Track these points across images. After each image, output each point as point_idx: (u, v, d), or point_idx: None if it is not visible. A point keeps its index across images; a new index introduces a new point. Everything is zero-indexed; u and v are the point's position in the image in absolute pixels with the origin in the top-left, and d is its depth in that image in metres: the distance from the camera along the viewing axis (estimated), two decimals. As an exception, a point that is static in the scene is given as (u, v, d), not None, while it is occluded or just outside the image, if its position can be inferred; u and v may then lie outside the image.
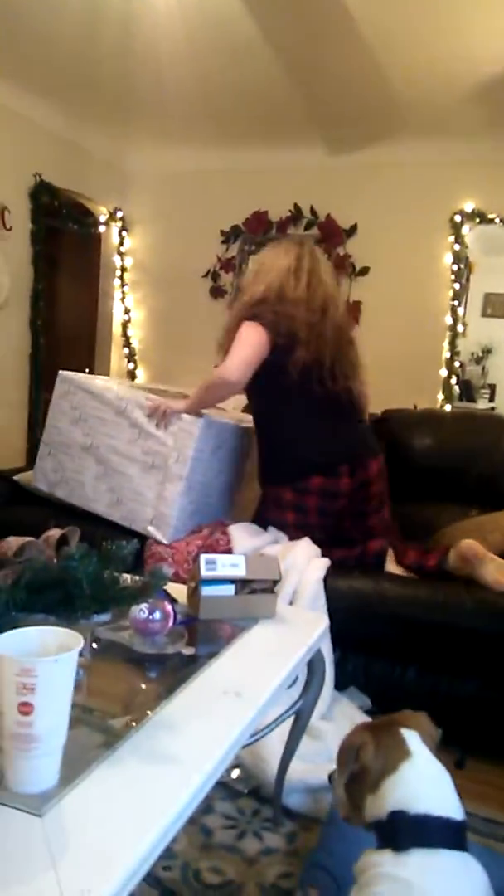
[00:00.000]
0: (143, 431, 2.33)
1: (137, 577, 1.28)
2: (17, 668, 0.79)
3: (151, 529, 2.31)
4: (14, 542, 1.15)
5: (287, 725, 1.55)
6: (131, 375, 5.35)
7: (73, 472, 2.45)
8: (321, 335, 2.21)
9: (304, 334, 2.18)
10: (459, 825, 0.97)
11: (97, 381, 2.50)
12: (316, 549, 2.22)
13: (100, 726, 1.01)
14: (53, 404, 2.51)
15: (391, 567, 2.34)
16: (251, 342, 2.17)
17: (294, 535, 2.28)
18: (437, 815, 0.96)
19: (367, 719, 1.96)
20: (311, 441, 2.26)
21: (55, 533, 1.22)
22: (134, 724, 1.01)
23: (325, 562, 2.17)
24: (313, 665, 1.53)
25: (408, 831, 0.95)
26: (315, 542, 2.24)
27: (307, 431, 2.26)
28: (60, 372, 2.53)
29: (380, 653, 2.08)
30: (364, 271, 4.52)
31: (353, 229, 4.56)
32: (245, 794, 1.70)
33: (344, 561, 2.26)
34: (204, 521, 2.43)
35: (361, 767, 1.05)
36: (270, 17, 2.96)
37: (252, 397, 2.39)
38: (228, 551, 2.25)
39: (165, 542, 2.28)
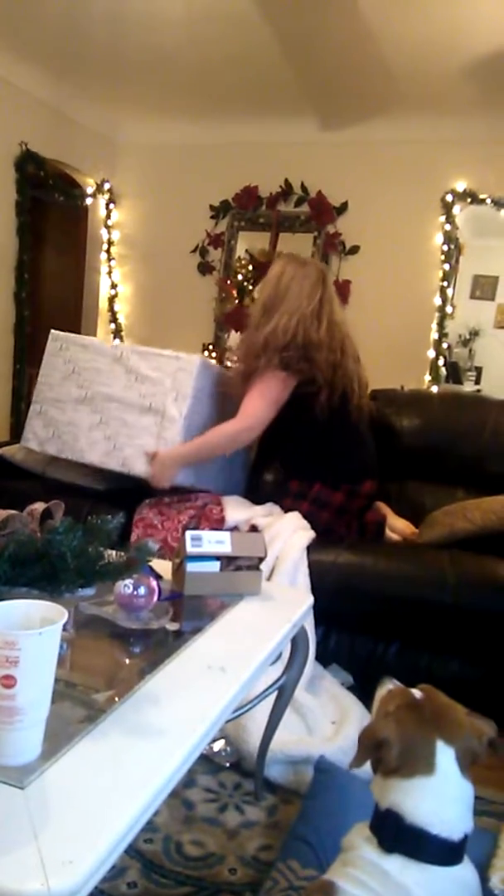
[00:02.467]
0: (139, 375, 2.34)
1: (122, 553, 1.27)
2: (0, 641, 0.78)
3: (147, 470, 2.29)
4: (-3, 514, 1.14)
5: (270, 700, 1.56)
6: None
7: (65, 425, 2.43)
8: (345, 371, 2.32)
9: (327, 376, 2.27)
10: (457, 844, 0.91)
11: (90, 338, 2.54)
12: (304, 523, 2.23)
13: (83, 700, 1.00)
14: (45, 362, 2.51)
15: (397, 524, 2.40)
16: (274, 397, 2.28)
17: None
18: (434, 834, 0.90)
19: (349, 695, 1.98)
20: (355, 451, 2.43)
21: (39, 506, 1.20)
22: (117, 698, 1.01)
23: (311, 533, 2.19)
24: (297, 641, 1.53)
25: (396, 837, 0.92)
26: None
27: (350, 444, 2.41)
28: (52, 331, 2.55)
29: (362, 629, 2.10)
30: (354, 250, 4.49)
31: (343, 207, 4.52)
32: (227, 767, 1.71)
33: (340, 538, 2.31)
34: (199, 470, 2.39)
35: (379, 758, 0.97)
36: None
37: (280, 424, 2.36)
38: (221, 520, 2.25)
39: (165, 485, 2.28)
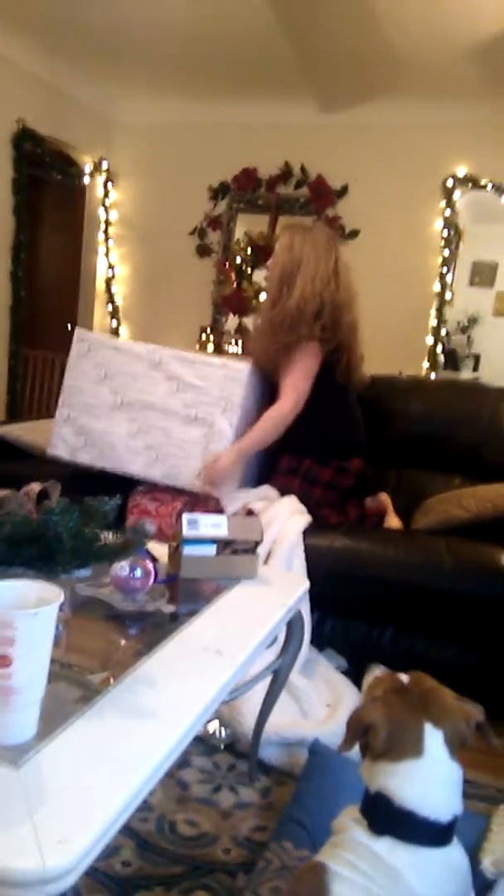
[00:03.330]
0: (182, 383, 2.25)
1: (118, 534, 1.26)
2: (-4, 621, 0.78)
3: (199, 483, 2.24)
4: (-7, 494, 1.13)
5: (265, 683, 1.56)
6: (115, 333, 5.27)
7: (100, 433, 2.31)
8: (356, 331, 2.36)
9: (349, 339, 2.32)
10: (446, 826, 0.91)
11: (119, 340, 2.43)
12: (301, 507, 2.23)
13: (78, 681, 1.00)
14: (71, 365, 2.37)
15: (392, 521, 2.39)
16: (311, 373, 2.30)
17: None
18: (423, 816, 0.90)
19: (344, 679, 1.99)
20: (355, 426, 2.46)
21: (36, 486, 1.19)
22: (113, 679, 1.01)
23: (307, 518, 2.19)
24: (293, 625, 1.53)
25: (386, 820, 0.92)
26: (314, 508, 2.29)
27: (350, 418, 2.45)
28: (77, 329, 2.43)
29: (357, 614, 2.10)
30: (353, 234, 4.46)
31: (343, 190, 4.49)
32: (221, 749, 1.72)
33: (340, 524, 2.31)
34: (242, 474, 2.37)
35: (366, 742, 0.97)
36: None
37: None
38: (217, 509, 2.24)
39: (215, 494, 2.24)
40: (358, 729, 0.97)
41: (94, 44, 3.91)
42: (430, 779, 0.93)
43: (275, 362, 2.33)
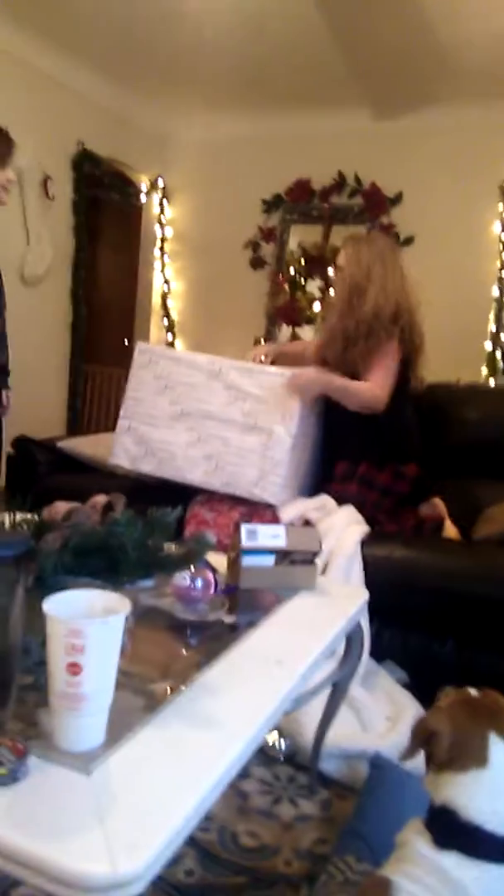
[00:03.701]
0: (240, 392, 2.28)
1: (178, 544, 1.28)
2: (67, 629, 0.80)
3: (257, 492, 2.26)
4: (62, 506, 1.17)
5: (324, 695, 1.56)
6: (170, 346, 5.36)
7: (160, 443, 2.36)
8: (423, 338, 2.43)
9: (420, 342, 2.40)
10: None
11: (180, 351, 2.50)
12: (358, 517, 2.22)
13: (142, 690, 1.02)
14: (133, 376, 2.43)
15: (449, 530, 2.36)
16: (393, 373, 2.35)
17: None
18: (490, 831, 0.88)
19: (405, 693, 1.96)
20: (412, 430, 2.49)
21: (101, 498, 1.23)
22: (177, 688, 1.02)
23: (364, 528, 2.17)
24: (352, 637, 1.53)
25: (451, 834, 0.91)
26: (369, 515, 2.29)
27: (408, 422, 2.49)
28: (139, 342, 2.50)
29: (417, 626, 2.07)
30: (409, 241, 4.42)
31: (398, 197, 4.46)
32: (281, 760, 1.72)
33: (398, 533, 2.30)
34: (300, 483, 2.40)
35: (431, 752, 0.97)
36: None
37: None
38: (273, 520, 2.25)
39: (274, 502, 2.26)
40: (422, 736, 0.96)
41: (149, 67, 4.01)
42: (497, 791, 0.91)
43: (353, 367, 2.36)
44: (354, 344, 2.32)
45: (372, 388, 2.33)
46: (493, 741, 0.92)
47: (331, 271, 4.51)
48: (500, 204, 4.15)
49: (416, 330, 2.39)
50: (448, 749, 0.93)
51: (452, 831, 0.91)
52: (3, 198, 2.28)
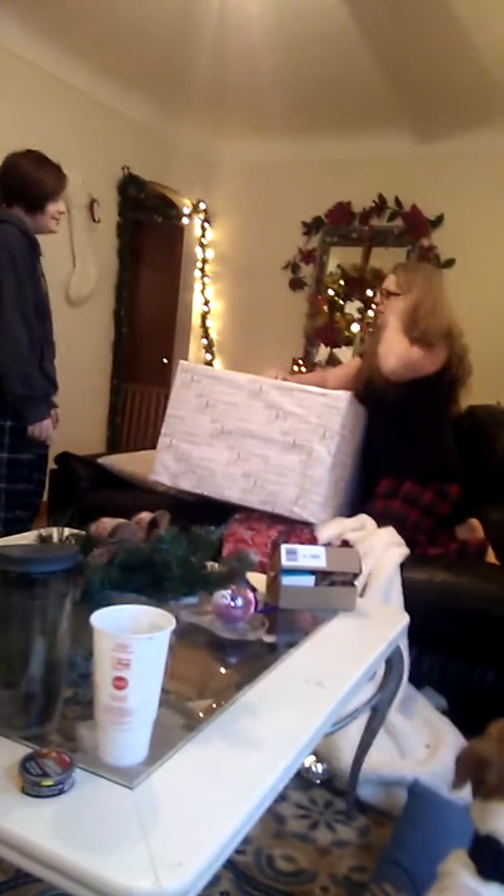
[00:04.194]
0: (281, 411, 2.30)
1: (221, 563, 1.29)
2: (114, 644, 0.81)
3: (297, 510, 2.27)
4: (108, 522, 1.19)
5: (362, 719, 1.54)
6: (209, 366, 5.41)
7: (200, 460, 2.38)
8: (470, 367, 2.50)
9: (468, 368, 2.48)
10: None
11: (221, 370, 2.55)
12: (398, 538, 2.21)
13: (183, 708, 1.03)
14: (175, 395, 2.47)
15: (490, 558, 2.32)
16: (420, 360, 2.38)
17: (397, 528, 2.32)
18: None
19: (444, 719, 1.93)
20: (453, 450, 2.51)
21: (146, 516, 1.24)
22: (219, 706, 1.02)
23: (404, 550, 2.16)
24: (392, 661, 1.51)
25: (497, 865, 0.89)
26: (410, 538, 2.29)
27: (450, 442, 2.52)
28: (181, 362, 2.54)
29: (458, 652, 2.04)
30: (449, 263, 4.41)
31: (438, 220, 4.46)
32: (318, 784, 1.70)
33: (440, 556, 2.29)
34: (339, 503, 2.42)
35: (479, 781, 0.95)
36: (364, 3, 2.91)
37: (409, 401, 2.46)
38: (311, 539, 2.25)
39: (313, 520, 2.26)
40: (471, 764, 0.94)
41: (195, 93, 4.10)
42: None
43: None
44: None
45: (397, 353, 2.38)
46: None
47: (369, 292, 4.52)
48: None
49: (466, 353, 2.46)
50: (497, 778, 0.91)
51: (498, 862, 0.89)
52: (53, 227, 2.36)
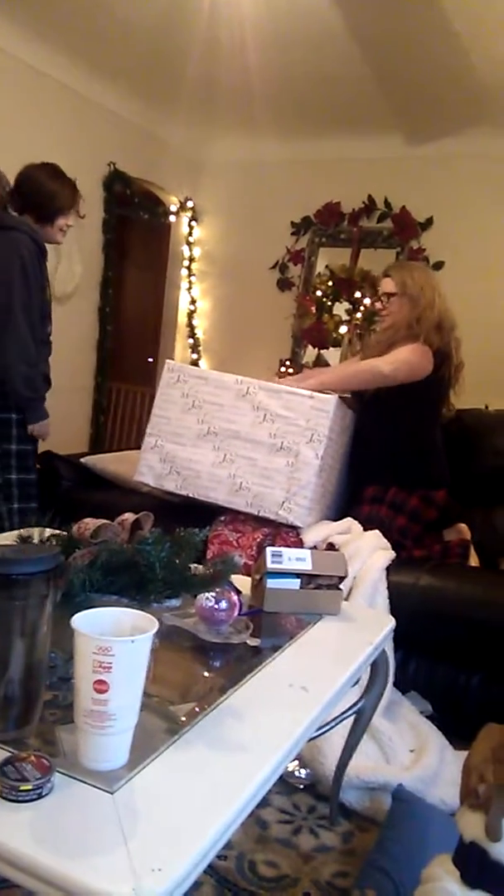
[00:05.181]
0: (269, 413, 2.29)
1: (204, 565, 1.27)
2: (95, 647, 0.80)
3: (283, 513, 2.25)
4: (91, 523, 1.17)
5: (346, 724, 1.53)
6: (194, 365, 5.39)
7: (185, 461, 2.36)
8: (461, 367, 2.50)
9: (459, 364, 2.48)
10: None
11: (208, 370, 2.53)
12: (384, 542, 2.20)
13: (165, 712, 1.01)
14: (161, 394, 2.45)
15: (473, 560, 2.33)
16: (415, 366, 2.37)
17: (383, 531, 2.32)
18: None
19: (429, 724, 1.92)
20: (441, 456, 2.50)
21: (130, 516, 1.22)
22: (202, 710, 1.01)
23: (390, 554, 2.15)
24: (377, 665, 1.50)
25: (480, 872, 0.88)
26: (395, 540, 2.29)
27: (438, 447, 2.50)
28: (168, 361, 2.52)
29: (443, 656, 2.03)
30: (438, 265, 4.41)
31: (428, 222, 4.46)
32: (301, 789, 1.69)
33: (425, 558, 2.29)
34: (326, 506, 2.41)
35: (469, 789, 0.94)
36: (353, 4, 2.91)
37: (400, 404, 2.45)
38: (297, 542, 2.24)
39: (299, 524, 2.25)
40: (476, 776, 0.93)
41: (183, 88, 4.07)
42: None
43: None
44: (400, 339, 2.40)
45: (375, 363, 2.39)
46: None
47: (357, 294, 4.52)
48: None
49: (458, 348, 2.47)
50: (485, 793, 0.90)
51: (481, 870, 0.88)
52: (60, 239, 2.42)
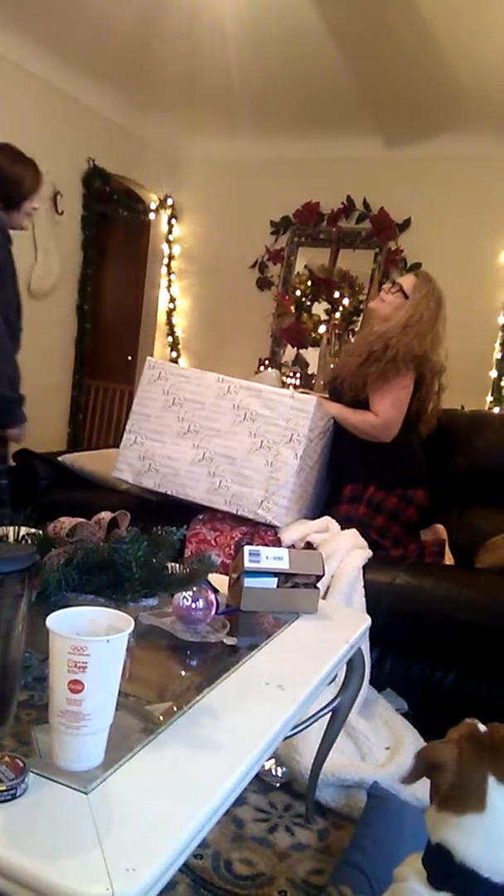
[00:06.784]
0: (249, 413, 2.29)
1: (182, 564, 1.27)
2: (70, 646, 0.79)
3: (261, 512, 2.25)
4: (67, 522, 1.16)
5: (322, 722, 1.54)
6: (174, 363, 5.37)
7: (164, 459, 2.35)
8: (440, 381, 2.53)
9: (436, 389, 2.51)
10: None
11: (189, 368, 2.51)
12: (361, 541, 2.21)
13: (141, 711, 1.01)
14: (141, 391, 2.44)
15: (448, 559, 2.35)
16: (403, 405, 2.42)
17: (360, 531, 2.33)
18: (486, 878, 0.84)
19: (404, 722, 1.94)
20: (420, 457, 2.52)
21: (106, 515, 1.22)
22: (179, 709, 1.01)
23: (367, 552, 2.16)
24: (353, 663, 1.51)
25: (446, 875, 0.88)
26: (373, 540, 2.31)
27: (416, 448, 2.52)
28: (149, 358, 2.51)
29: (419, 654, 2.05)
30: (415, 267, 4.45)
31: (406, 223, 4.50)
32: (277, 787, 1.70)
33: (402, 557, 2.31)
34: (304, 506, 2.41)
35: (434, 784, 0.94)
36: (334, 4, 2.92)
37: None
38: (275, 541, 2.24)
39: (277, 523, 2.25)
40: (426, 765, 0.92)
41: (163, 86, 4.06)
42: (494, 838, 0.86)
43: (363, 382, 2.42)
44: (375, 361, 2.37)
45: (370, 421, 2.40)
46: (492, 786, 0.88)
47: (336, 294, 4.54)
48: (508, 234, 4.18)
49: (437, 388, 2.50)
50: (449, 786, 0.89)
51: (447, 873, 0.88)
52: (26, 224, 2.34)
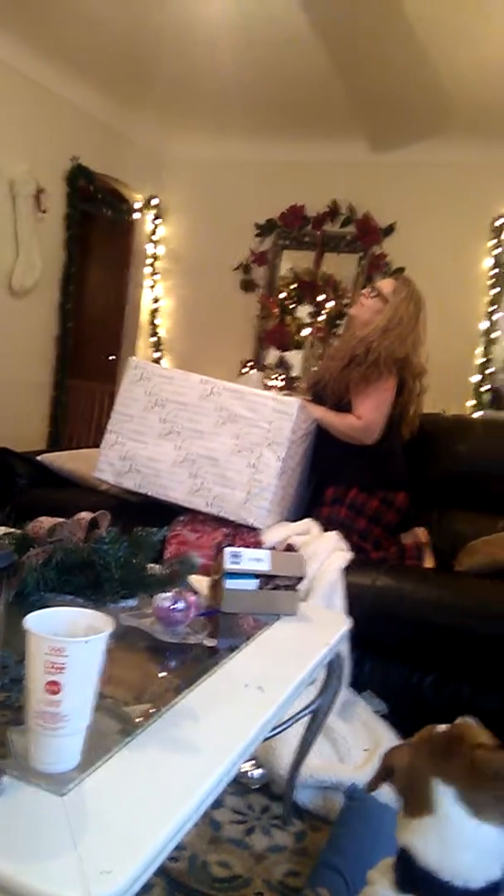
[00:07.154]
0: (232, 414, 2.28)
1: (162, 565, 1.27)
2: (47, 647, 0.78)
3: (243, 514, 2.24)
4: (46, 521, 1.15)
5: (301, 723, 1.53)
6: (157, 364, 5.35)
7: (145, 459, 2.33)
8: (421, 384, 2.56)
9: (417, 405, 2.55)
10: (477, 893, 0.84)
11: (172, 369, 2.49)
12: (342, 543, 2.22)
13: (119, 713, 1.00)
14: (123, 391, 2.42)
15: (427, 561, 2.36)
16: (385, 409, 2.44)
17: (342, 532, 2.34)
18: (445, 881, 0.84)
19: (383, 724, 1.94)
20: (401, 460, 2.54)
21: (86, 515, 1.21)
22: (157, 711, 1.00)
23: (348, 554, 2.17)
24: (333, 665, 1.51)
25: (409, 877, 0.88)
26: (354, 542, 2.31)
27: (397, 451, 2.54)
28: (131, 358, 2.49)
29: (398, 656, 2.06)
30: (399, 271, 4.47)
31: (390, 228, 4.53)
32: (255, 789, 1.69)
33: (382, 560, 2.32)
34: (286, 508, 2.41)
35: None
36: (323, 10, 2.93)
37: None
38: (256, 543, 2.24)
39: (259, 526, 2.24)
40: (382, 769, 0.93)
41: (150, 86, 4.05)
42: (447, 840, 0.86)
43: (345, 386, 2.44)
44: (357, 365, 2.39)
45: (352, 423, 2.42)
46: (438, 788, 0.87)
47: (320, 297, 4.55)
48: (492, 240, 4.22)
49: (418, 391, 2.53)
50: (401, 790, 0.90)
51: (411, 876, 0.88)
52: None
